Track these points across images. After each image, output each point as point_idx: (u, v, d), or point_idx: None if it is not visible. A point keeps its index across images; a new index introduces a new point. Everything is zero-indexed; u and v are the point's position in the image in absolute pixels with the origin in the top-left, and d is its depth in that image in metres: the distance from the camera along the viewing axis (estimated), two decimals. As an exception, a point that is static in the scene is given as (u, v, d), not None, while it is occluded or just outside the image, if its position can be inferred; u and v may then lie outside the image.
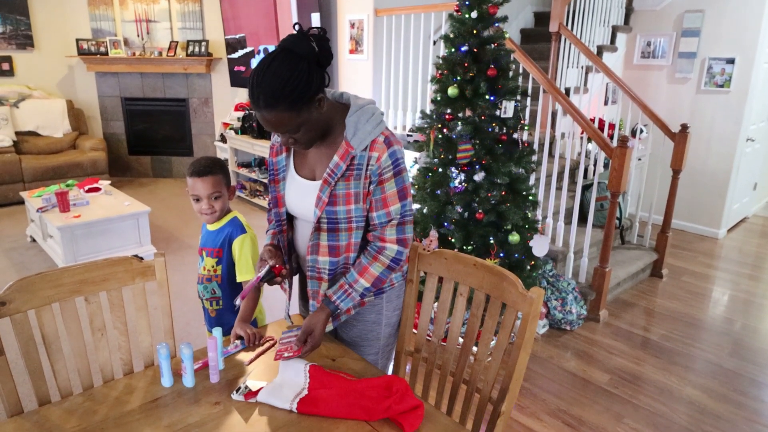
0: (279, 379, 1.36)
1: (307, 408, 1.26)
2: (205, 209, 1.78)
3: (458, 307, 1.56)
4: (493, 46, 2.78)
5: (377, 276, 1.46)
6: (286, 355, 1.40)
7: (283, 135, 1.35)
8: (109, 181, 4.79)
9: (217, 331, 1.41)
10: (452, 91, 2.80)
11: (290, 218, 1.60)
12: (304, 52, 1.27)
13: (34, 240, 4.51)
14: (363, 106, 1.40)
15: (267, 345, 1.55)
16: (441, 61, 2.91)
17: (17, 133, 5.72)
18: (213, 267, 1.83)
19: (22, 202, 5.32)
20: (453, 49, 2.85)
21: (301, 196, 1.48)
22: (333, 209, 1.42)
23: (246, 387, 1.34)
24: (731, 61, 4.65)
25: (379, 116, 1.41)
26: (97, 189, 4.50)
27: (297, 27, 1.31)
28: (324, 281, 1.51)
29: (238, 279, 1.82)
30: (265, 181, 5.38)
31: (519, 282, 1.38)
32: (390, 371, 1.72)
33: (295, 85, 1.24)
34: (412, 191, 1.52)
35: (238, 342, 1.56)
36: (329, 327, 1.55)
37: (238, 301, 1.52)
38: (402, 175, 1.42)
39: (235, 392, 1.32)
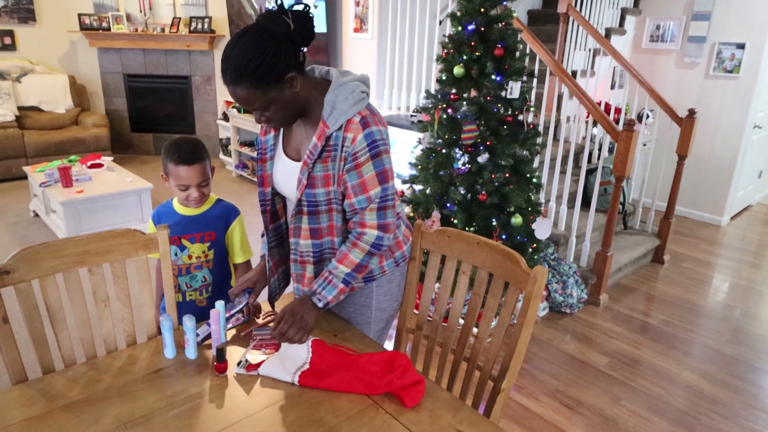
0: (281, 352, 1.37)
1: (308, 381, 1.27)
2: (196, 197, 1.69)
3: (460, 286, 1.56)
4: (500, 25, 2.74)
5: (357, 262, 1.41)
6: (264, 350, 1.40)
7: (255, 112, 1.33)
8: (111, 158, 4.78)
9: (220, 304, 1.42)
10: (458, 70, 2.77)
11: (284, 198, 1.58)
12: (276, 29, 1.23)
13: (37, 215, 4.52)
14: (346, 83, 1.34)
15: (268, 318, 1.56)
16: (447, 40, 2.87)
17: (20, 108, 5.69)
18: (204, 252, 1.76)
19: (25, 177, 5.32)
20: (459, 28, 2.81)
21: (287, 176, 1.45)
22: (312, 191, 1.39)
23: (247, 360, 1.34)
24: (741, 46, 4.59)
25: (360, 94, 1.34)
26: (100, 165, 4.49)
27: (278, 1, 1.27)
28: (308, 264, 1.48)
29: (238, 260, 1.81)
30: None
31: (522, 260, 1.38)
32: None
33: (258, 63, 1.22)
34: (395, 174, 1.47)
35: (242, 299, 1.54)
36: None
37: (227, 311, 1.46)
38: (381, 158, 1.35)
39: (236, 365, 1.33)
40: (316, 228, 1.44)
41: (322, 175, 1.37)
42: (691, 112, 3.75)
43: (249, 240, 1.88)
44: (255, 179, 5.62)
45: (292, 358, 1.34)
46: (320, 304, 1.42)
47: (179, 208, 1.77)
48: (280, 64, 1.24)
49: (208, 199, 1.78)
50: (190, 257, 1.75)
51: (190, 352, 1.37)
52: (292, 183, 1.43)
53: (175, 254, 1.74)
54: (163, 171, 1.72)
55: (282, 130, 1.49)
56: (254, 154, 5.60)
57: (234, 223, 1.79)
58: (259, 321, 1.55)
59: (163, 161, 1.69)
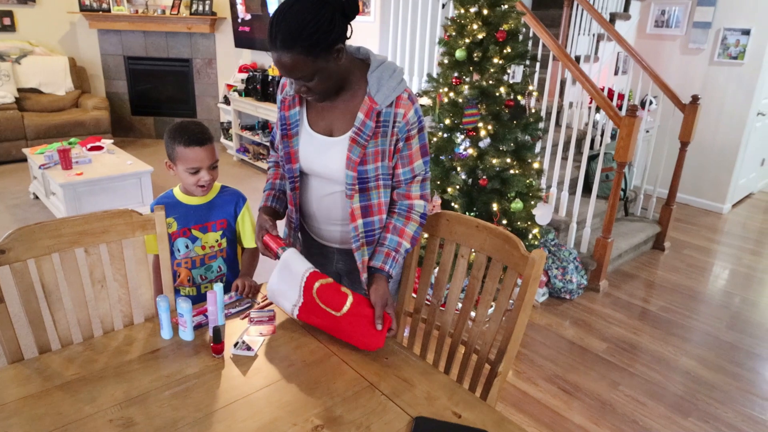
0: (282, 280, 1.40)
1: (306, 316, 1.38)
2: (207, 180, 1.62)
3: (459, 270, 1.55)
4: (503, 8, 2.71)
5: (412, 235, 1.48)
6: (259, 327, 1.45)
7: (297, 81, 1.31)
8: (111, 141, 4.76)
9: (218, 287, 1.41)
10: (460, 53, 2.74)
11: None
12: None
13: (37, 197, 4.52)
14: (383, 62, 1.38)
15: (265, 303, 1.55)
16: (450, 23, 2.84)
17: (19, 90, 5.66)
18: (218, 241, 1.70)
19: (24, 159, 5.31)
20: (462, 10, 2.78)
21: (321, 153, 1.43)
22: (364, 168, 1.40)
23: (244, 342, 1.34)
24: (747, 32, 4.53)
25: (401, 73, 1.40)
26: (100, 147, 4.48)
27: None
28: (365, 247, 1.47)
29: (248, 245, 1.77)
30: (268, 144, 5.34)
31: (521, 244, 1.37)
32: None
33: (314, 29, 1.21)
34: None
35: (233, 293, 1.56)
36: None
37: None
38: (423, 132, 1.44)
39: (233, 346, 1.33)
40: (366, 206, 1.45)
41: (372, 151, 1.39)
42: (695, 99, 3.71)
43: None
44: (255, 164, 5.59)
45: (286, 293, 1.40)
46: (391, 282, 1.49)
47: (183, 197, 1.70)
48: (333, 33, 1.24)
49: (212, 187, 1.72)
50: (203, 248, 1.69)
51: (187, 334, 1.36)
52: (330, 159, 1.42)
53: (186, 246, 1.68)
54: (167, 158, 1.63)
55: (306, 105, 1.46)
56: (255, 138, 5.57)
57: (243, 209, 1.74)
58: (258, 303, 1.55)
59: (167, 147, 1.61)
